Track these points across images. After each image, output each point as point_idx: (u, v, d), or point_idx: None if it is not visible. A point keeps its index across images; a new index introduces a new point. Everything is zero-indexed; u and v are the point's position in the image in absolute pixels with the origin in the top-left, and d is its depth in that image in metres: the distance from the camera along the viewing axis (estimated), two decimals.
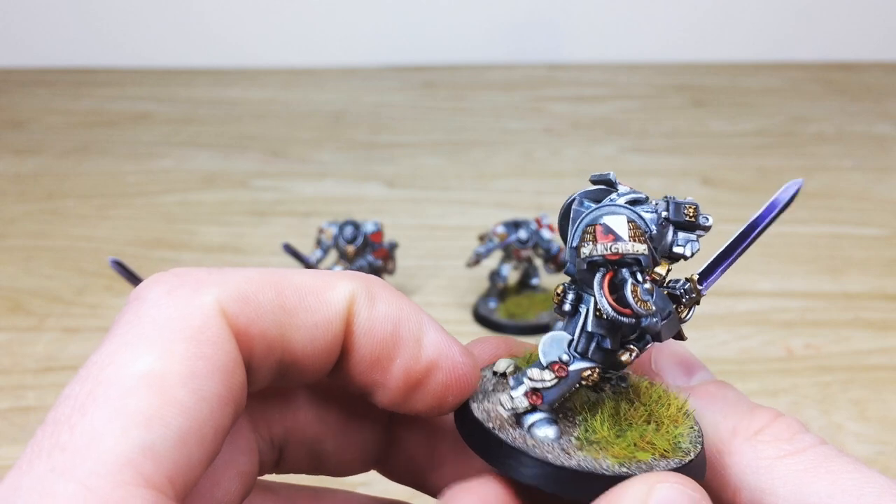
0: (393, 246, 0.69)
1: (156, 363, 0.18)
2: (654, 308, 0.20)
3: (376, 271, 0.68)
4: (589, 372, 0.22)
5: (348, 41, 1.37)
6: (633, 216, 0.21)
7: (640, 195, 0.22)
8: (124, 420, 0.17)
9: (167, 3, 1.34)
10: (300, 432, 0.26)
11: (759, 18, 1.36)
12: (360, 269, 0.68)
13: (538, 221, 0.66)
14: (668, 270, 0.22)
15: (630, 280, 0.20)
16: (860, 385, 0.60)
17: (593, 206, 0.22)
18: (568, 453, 0.21)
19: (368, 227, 0.67)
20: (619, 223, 0.21)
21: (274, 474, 0.27)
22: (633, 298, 0.20)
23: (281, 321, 0.21)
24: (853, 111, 1.17)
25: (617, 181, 0.23)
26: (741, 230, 0.24)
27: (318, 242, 0.68)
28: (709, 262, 0.24)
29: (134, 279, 0.57)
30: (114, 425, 0.17)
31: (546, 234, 0.65)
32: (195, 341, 0.18)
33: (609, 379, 0.24)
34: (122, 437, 0.17)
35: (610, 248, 0.20)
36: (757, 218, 0.24)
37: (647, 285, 0.20)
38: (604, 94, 1.25)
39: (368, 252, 0.67)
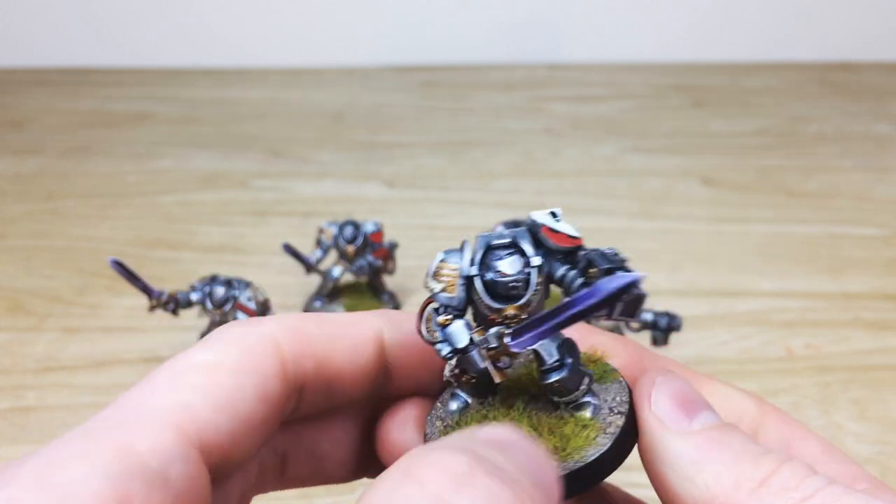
0: (393, 246, 0.69)
1: (210, 357, 0.23)
2: (438, 338, 0.24)
3: (376, 271, 0.68)
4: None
5: (348, 41, 1.37)
6: (453, 260, 0.24)
7: (501, 238, 0.24)
8: (173, 386, 0.22)
9: (167, 3, 1.34)
10: (298, 437, 0.28)
11: (759, 18, 1.36)
12: (360, 269, 0.68)
13: None
14: (514, 314, 0.23)
15: (428, 311, 0.24)
16: (860, 385, 0.60)
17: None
18: (437, 424, 0.25)
19: (368, 227, 0.67)
20: (434, 264, 0.24)
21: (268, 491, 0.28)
22: (424, 326, 0.24)
23: (325, 346, 0.25)
24: (853, 111, 1.17)
25: (531, 220, 0.24)
26: (560, 303, 0.23)
27: (318, 242, 0.68)
28: (525, 322, 0.23)
29: (134, 279, 0.57)
30: (164, 388, 0.22)
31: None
32: (246, 352, 0.23)
33: (569, 403, 0.25)
34: (167, 395, 0.21)
35: (425, 284, 0.24)
36: (576, 297, 0.22)
37: (440, 319, 0.24)
38: (604, 94, 1.25)
39: (368, 252, 0.67)
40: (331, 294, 0.69)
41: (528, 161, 1.02)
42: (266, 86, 1.29)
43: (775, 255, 0.79)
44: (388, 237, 0.69)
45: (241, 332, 0.24)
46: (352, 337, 0.26)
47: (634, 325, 0.59)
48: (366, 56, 1.37)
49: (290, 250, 0.66)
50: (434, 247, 0.91)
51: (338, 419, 0.28)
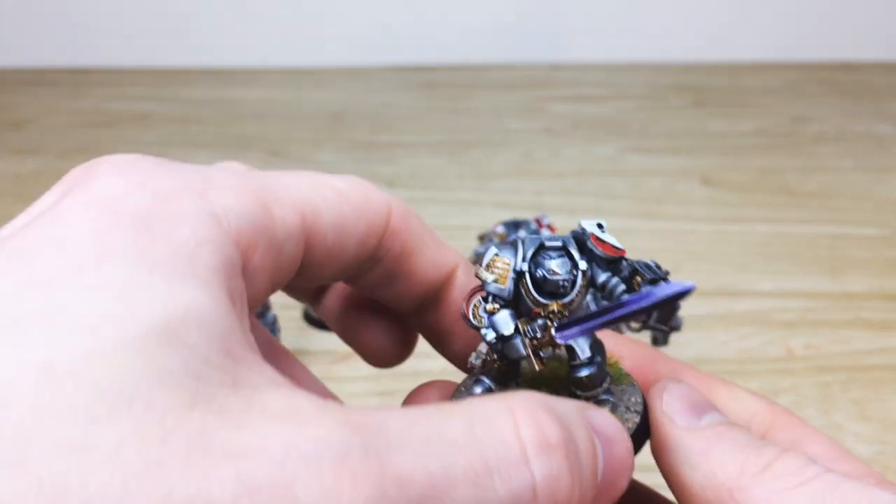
0: None
1: (344, 186, 0.26)
2: (485, 324, 0.26)
3: None
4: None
5: (348, 41, 1.37)
6: (506, 255, 0.26)
7: (552, 241, 0.26)
8: (314, 187, 0.25)
9: (167, 3, 1.34)
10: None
11: (759, 18, 1.36)
12: None
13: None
14: (558, 310, 0.25)
15: (476, 298, 0.26)
16: (860, 385, 0.60)
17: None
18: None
19: None
20: (488, 256, 0.26)
21: None
22: (470, 311, 0.26)
23: (415, 239, 0.28)
24: (853, 111, 1.17)
25: (580, 228, 0.26)
26: (612, 304, 0.25)
27: None
28: (573, 318, 0.25)
29: None
30: (307, 186, 0.25)
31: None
32: (367, 199, 0.26)
33: (590, 398, 0.27)
34: (307, 192, 0.24)
35: (477, 273, 0.26)
36: (627, 299, 0.24)
37: (488, 307, 0.26)
38: (604, 94, 1.25)
39: None
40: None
41: (528, 161, 1.02)
42: (266, 86, 1.29)
43: (775, 255, 0.79)
44: None
45: (367, 185, 0.27)
46: (434, 255, 0.28)
47: (634, 324, 0.59)
48: (366, 56, 1.37)
49: None
50: None
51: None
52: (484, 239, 0.67)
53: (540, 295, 0.25)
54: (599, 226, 0.26)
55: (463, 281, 0.28)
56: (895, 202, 0.90)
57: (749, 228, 0.84)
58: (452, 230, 0.83)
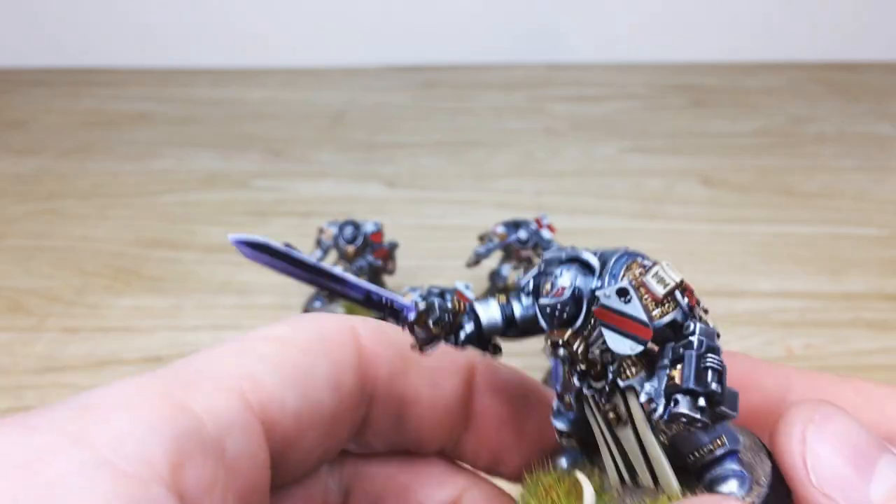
0: (393, 246, 0.69)
1: (284, 331, 0.21)
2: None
3: (376, 271, 0.68)
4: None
5: (348, 41, 1.37)
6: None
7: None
8: (240, 352, 0.19)
9: (167, 3, 1.34)
10: (365, 474, 0.24)
11: (759, 18, 1.36)
12: (360, 269, 0.68)
13: (538, 221, 0.66)
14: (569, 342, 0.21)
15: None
16: None
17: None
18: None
19: (368, 227, 0.67)
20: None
21: None
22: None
23: (406, 355, 0.22)
24: (853, 111, 1.17)
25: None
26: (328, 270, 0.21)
27: (318, 242, 0.68)
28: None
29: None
30: (229, 354, 0.19)
31: (546, 234, 0.65)
32: (323, 335, 0.21)
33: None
34: (232, 359, 0.19)
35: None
36: (352, 281, 0.21)
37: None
38: (604, 94, 1.25)
39: (368, 252, 0.67)
40: (331, 294, 0.69)
41: (528, 161, 1.01)
42: (266, 86, 1.29)
43: (775, 255, 0.79)
44: (388, 237, 0.69)
45: (320, 317, 0.22)
46: (438, 359, 0.22)
47: None
48: (366, 56, 1.37)
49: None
50: (434, 247, 0.91)
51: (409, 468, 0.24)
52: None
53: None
54: (621, 292, 0.19)
55: (487, 378, 0.23)
56: (895, 202, 0.90)
57: (749, 228, 0.84)
58: (452, 230, 0.83)
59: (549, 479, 0.22)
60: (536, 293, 0.21)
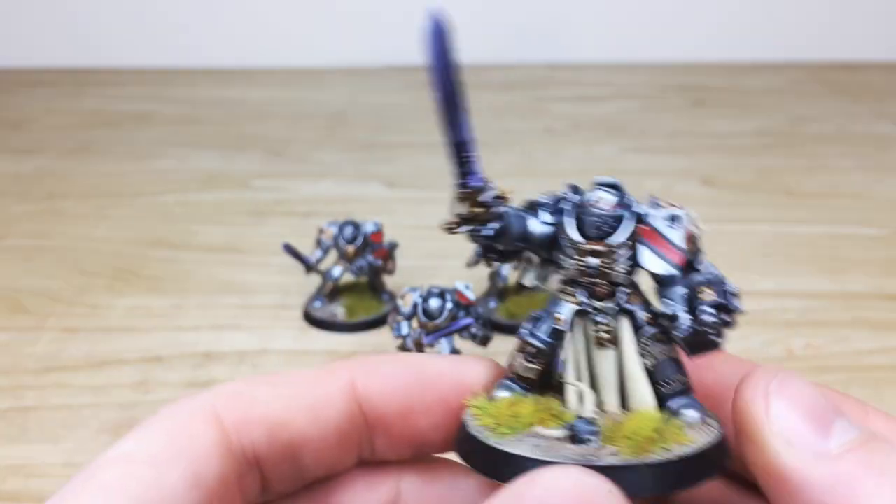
0: (393, 246, 0.69)
1: (129, 447, 0.20)
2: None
3: (376, 271, 0.68)
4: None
5: (348, 41, 1.37)
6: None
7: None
8: (82, 491, 0.19)
9: (168, 3, 1.34)
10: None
11: (759, 18, 1.36)
12: (360, 269, 0.68)
13: None
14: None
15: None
16: (860, 385, 0.60)
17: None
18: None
19: (368, 227, 0.67)
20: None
21: None
22: None
23: (277, 409, 0.22)
24: (853, 111, 1.17)
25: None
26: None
27: (318, 242, 0.68)
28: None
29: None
30: (72, 497, 0.19)
31: None
32: (174, 433, 0.21)
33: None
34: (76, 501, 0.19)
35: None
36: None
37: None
38: (604, 94, 1.25)
39: (368, 252, 0.67)
40: (331, 294, 0.69)
41: (528, 161, 1.01)
42: (266, 86, 1.29)
43: (775, 255, 0.79)
44: (388, 237, 0.69)
45: (172, 411, 0.22)
46: (312, 394, 0.23)
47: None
48: (366, 56, 1.37)
49: (290, 250, 0.66)
50: (434, 247, 0.91)
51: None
52: None
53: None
54: (673, 217, 0.23)
55: (369, 382, 0.24)
56: (895, 202, 0.90)
57: (749, 228, 0.84)
58: None
59: (500, 403, 0.23)
60: (560, 213, 0.24)
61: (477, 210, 0.23)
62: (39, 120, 1.16)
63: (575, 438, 0.21)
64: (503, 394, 0.23)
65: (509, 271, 0.68)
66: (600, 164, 1.00)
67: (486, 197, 0.23)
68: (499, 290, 0.68)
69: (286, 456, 0.22)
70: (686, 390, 0.23)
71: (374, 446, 0.24)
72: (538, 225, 0.25)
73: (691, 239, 0.23)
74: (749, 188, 0.93)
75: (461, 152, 0.22)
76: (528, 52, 1.38)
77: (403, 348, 0.57)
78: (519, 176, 0.97)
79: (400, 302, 0.57)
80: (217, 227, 0.85)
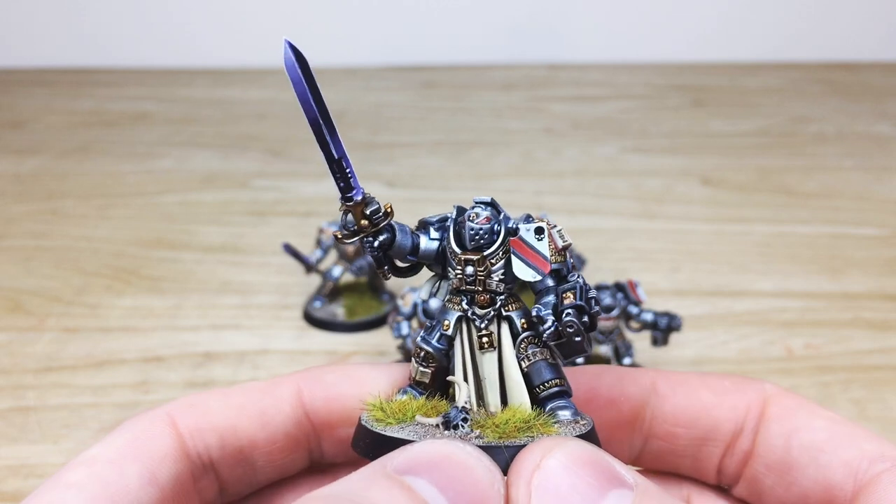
0: None
1: (94, 451, 0.23)
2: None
3: (376, 271, 0.68)
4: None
5: (348, 41, 1.37)
6: None
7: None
8: (48, 489, 0.22)
9: (168, 3, 1.34)
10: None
11: (759, 18, 1.36)
12: (360, 269, 0.68)
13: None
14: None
15: None
16: (860, 385, 0.60)
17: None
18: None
19: None
20: None
21: None
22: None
23: (228, 417, 0.25)
24: (853, 111, 1.17)
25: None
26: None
27: (318, 242, 0.68)
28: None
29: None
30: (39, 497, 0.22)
31: None
32: (134, 437, 0.23)
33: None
34: (43, 499, 0.22)
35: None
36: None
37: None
38: (604, 94, 1.25)
39: None
40: (331, 294, 0.69)
41: (528, 161, 1.01)
42: (266, 86, 1.29)
43: (775, 255, 0.79)
44: None
45: (133, 421, 0.24)
46: (260, 403, 0.25)
47: (635, 324, 0.59)
48: (366, 56, 1.37)
49: (290, 250, 0.66)
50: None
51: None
52: None
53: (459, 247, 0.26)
54: (539, 231, 0.25)
55: (314, 391, 0.27)
56: (895, 202, 0.90)
57: (749, 228, 0.84)
58: None
59: (395, 403, 0.26)
60: (446, 230, 0.26)
61: (364, 223, 0.26)
62: (39, 120, 1.16)
63: (448, 424, 0.24)
64: (400, 397, 0.26)
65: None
66: (600, 163, 1.00)
67: (369, 210, 0.26)
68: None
69: (239, 460, 0.25)
70: (562, 393, 0.26)
71: (322, 450, 0.26)
72: (427, 241, 0.27)
73: (560, 250, 0.25)
74: (749, 188, 0.93)
75: (339, 168, 0.25)
76: (528, 52, 1.38)
77: (403, 348, 0.57)
78: (519, 176, 0.97)
79: (400, 302, 0.57)
80: (217, 227, 0.85)
